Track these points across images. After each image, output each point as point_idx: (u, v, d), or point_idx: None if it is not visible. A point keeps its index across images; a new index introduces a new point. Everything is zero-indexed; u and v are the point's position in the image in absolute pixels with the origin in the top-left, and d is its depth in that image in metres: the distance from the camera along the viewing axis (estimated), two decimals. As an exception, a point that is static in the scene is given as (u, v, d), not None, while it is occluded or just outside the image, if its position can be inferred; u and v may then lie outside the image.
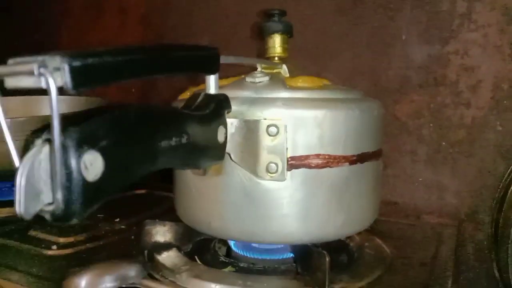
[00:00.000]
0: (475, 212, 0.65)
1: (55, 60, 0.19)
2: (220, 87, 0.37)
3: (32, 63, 0.19)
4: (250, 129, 0.40)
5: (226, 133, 0.37)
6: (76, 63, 0.20)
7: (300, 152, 0.41)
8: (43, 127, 0.21)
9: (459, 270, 0.57)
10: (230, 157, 0.40)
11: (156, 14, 0.87)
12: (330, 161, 0.41)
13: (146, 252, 0.48)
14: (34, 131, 0.21)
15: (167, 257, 0.46)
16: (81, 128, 0.21)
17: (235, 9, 0.79)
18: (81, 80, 0.20)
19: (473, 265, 0.65)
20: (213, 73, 0.34)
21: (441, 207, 0.67)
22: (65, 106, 0.83)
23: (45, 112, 0.79)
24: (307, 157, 0.41)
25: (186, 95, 0.48)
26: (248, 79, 0.45)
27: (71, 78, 0.19)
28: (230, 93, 0.42)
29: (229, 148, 0.39)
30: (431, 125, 0.67)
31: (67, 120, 0.21)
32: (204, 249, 0.51)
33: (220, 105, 0.36)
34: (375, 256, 0.49)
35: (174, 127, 0.29)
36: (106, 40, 0.92)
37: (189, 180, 0.45)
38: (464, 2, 0.63)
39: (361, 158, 0.43)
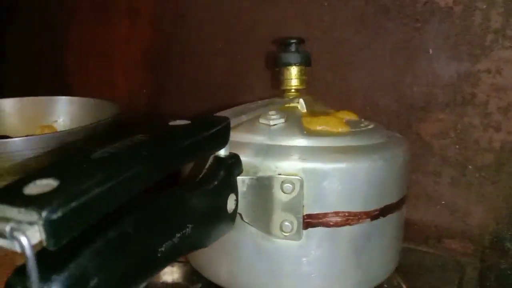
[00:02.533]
0: (499, 240, 0.62)
1: (31, 216, 0.16)
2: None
3: (4, 225, 0.16)
4: (263, 186, 0.37)
5: (236, 199, 0.34)
6: (57, 215, 0.16)
7: (318, 209, 0.38)
8: (19, 272, 0.18)
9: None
10: (242, 218, 0.37)
11: (166, 16, 0.83)
12: (350, 219, 0.38)
13: (153, 296, 0.46)
14: (9, 281, 0.18)
15: (175, 303, 0.45)
16: (67, 272, 0.18)
17: (250, 14, 0.74)
18: (65, 232, 0.17)
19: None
20: (224, 146, 0.31)
21: (464, 232, 0.64)
22: (75, 107, 0.80)
23: (41, 113, 0.76)
24: (325, 215, 0.38)
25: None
26: (262, 120, 0.42)
27: (51, 235, 0.16)
28: (242, 138, 0.39)
29: (240, 208, 0.36)
30: (457, 146, 0.63)
31: (49, 261, 0.18)
32: (214, 290, 0.49)
33: (231, 171, 0.32)
34: (394, 303, 0.46)
35: (177, 222, 0.26)
36: (115, 41, 0.89)
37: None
38: (499, 17, 0.58)
39: (383, 212, 0.40)
